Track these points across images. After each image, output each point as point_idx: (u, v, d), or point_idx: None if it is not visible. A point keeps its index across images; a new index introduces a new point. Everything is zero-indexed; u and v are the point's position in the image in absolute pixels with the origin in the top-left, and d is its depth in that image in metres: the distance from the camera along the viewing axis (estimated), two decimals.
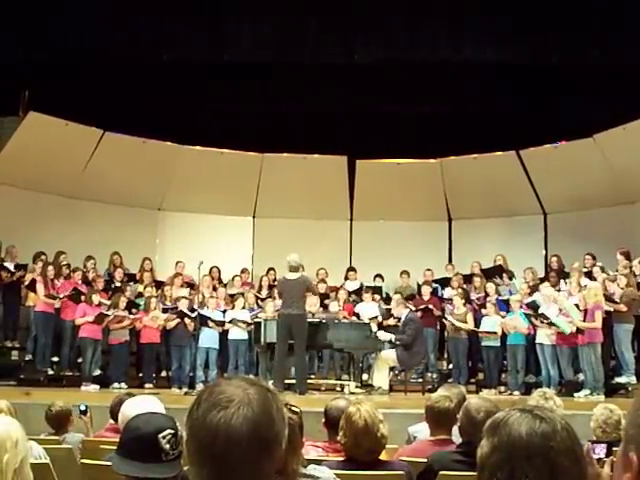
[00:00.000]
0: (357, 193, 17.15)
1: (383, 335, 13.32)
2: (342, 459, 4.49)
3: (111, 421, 6.67)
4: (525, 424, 1.84)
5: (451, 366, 14.47)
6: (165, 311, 14.14)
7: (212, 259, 15.29)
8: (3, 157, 14.88)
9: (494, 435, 1.87)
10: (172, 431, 2.76)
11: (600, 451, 3.17)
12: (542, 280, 14.15)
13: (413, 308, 14.14)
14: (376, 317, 14.09)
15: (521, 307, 13.42)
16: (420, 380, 13.56)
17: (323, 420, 5.04)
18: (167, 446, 2.72)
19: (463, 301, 14.12)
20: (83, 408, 7.10)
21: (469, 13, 14.34)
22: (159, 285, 15.17)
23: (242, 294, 14.85)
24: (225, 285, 15.58)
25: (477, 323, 13.88)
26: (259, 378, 1.96)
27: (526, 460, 1.80)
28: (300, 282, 12.28)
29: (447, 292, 15.22)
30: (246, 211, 17.54)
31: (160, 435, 2.72)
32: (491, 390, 13.41)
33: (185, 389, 13.34)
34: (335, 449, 4.80)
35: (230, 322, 14.13)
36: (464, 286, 14.96)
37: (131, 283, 15.06)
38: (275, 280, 15.14)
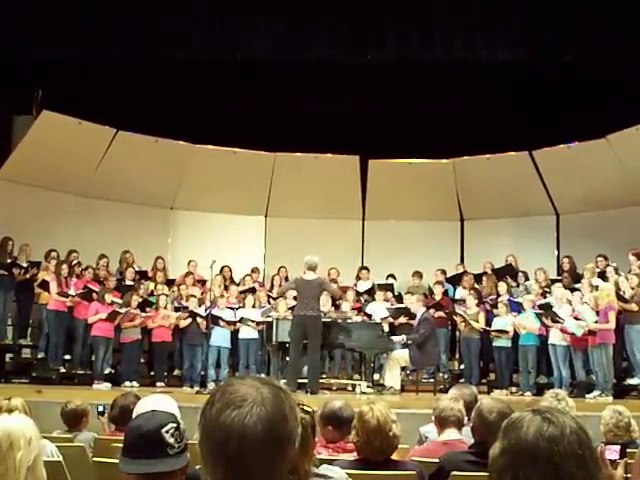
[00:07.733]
0: (369, 193, 17.13)
1: (396, 338, 13.33)
2: (354, 458, 4.50)
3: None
4: (533, 427, 1.83)
5: (462, 366, 14.42)
6: (177, 310, 14.17)
7: (224, 258, 15.32)
8: (16, 156, 14.94)
9: (505, 437, 1.87)
10: (175, 424, 2.77)
11: (613, 453, 3.16)
12: (554, 281, 14.13)
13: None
14: (387, 317, 14.06)
15: (534, 307, 13.39)
16: (432, 380, 13.57)
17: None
18: (172, 440, 2.72)
19: (476, 301, 14.07)
20: (101, 409, 7.12)
21: (483, 13, 14.32)
22: (171, 284, 15.20)
23: (253, 289, 14.88)
24: (237, 284, 15.58)
25: (489, 323, 13.84)
26: (272, 377, 1.96)
27: (531, 464, 1.79)
28: (316, 283, 12.24)
29: (459, 292, 15.17)
30: (258, 210, 17.54)
31: (163, 430, 2.72)
32: (502, 391, 13.35)
33: (197, 388, 13.34)
34: (331, 446, 4.82)
35: (240, 321, 14.16)
36: (476, 286, 14.92)
37: (143, 281, 15.06)
38: (287, 278, 15.14)
